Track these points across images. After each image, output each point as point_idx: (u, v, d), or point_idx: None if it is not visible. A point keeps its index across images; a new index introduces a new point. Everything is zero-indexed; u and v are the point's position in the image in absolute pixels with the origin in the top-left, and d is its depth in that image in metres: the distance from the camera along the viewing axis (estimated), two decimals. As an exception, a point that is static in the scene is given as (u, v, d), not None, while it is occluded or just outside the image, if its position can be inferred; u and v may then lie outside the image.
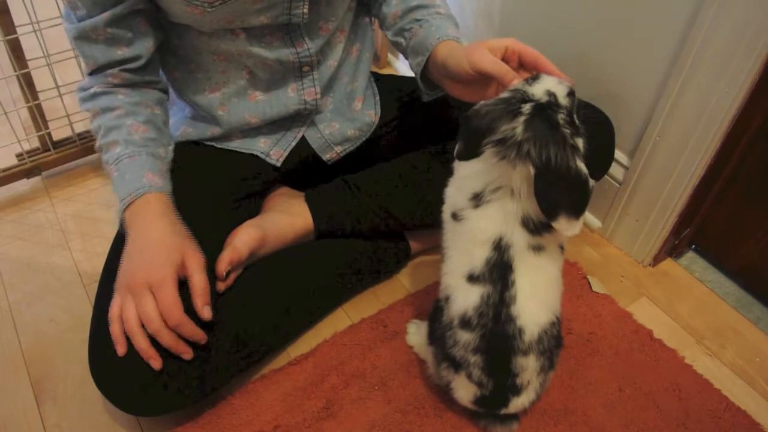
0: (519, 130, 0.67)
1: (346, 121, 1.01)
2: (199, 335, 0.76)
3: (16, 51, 1.10)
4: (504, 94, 0.71)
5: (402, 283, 1.07)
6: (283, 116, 0.94)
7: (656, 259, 1.15)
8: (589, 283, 1.09)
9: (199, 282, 0.77)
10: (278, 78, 0.92)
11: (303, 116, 0.97)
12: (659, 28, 0.97)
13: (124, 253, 0.79)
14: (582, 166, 0.68)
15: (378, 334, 0.98)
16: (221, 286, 0.85)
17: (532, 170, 0.67)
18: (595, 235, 1.21)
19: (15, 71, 1.11)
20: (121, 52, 0.82)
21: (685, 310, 1.07)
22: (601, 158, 1.06)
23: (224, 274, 0.84)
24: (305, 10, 0.84)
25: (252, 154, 0.97)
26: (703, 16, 0.89)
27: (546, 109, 0.68)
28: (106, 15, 0.79)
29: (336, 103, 1.00)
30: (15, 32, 1.08)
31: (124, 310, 0.75)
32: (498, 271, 0.75)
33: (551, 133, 0.67)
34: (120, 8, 0.79)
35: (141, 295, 0.74)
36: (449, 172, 0.94)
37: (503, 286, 0.74)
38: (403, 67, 1.61)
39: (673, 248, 1.15)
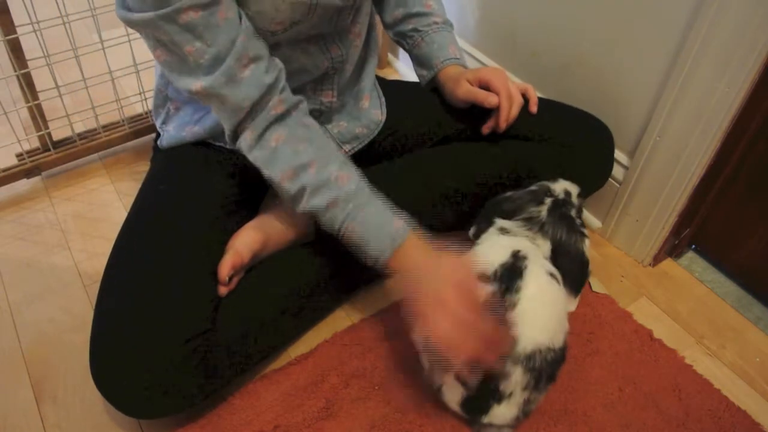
0: (543, 214, 0.88)
1: (353, 119, 1.02)
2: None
3: (16, 51, 1.10)
4: (533, 187, 0.93)
5: (402, 283, 1.07)
6: None
7: (656, 259, 1.15)
8: (589, 283, 1.09)
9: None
10: (303, 81, 0.92)
11: (314, 117, 0.97)
12: (659, 28, 0.97)
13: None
14: (586, 250, 0.89)
15: (378, 333, 0.98)
16: (224, 291, 0.85)
17: (549, 245, 0.86)
18: (595, 235, 1.21)
19: (15, 71, 1.11)
20: (267, 78, 0.79)
21: (685, 310, 1.07)
22: (599, 166, 1.07)
23: (227, 278, 0.85)
24: (349, 21, 0.89)
25: None
26: (703, 16, 0.89)
27: (562, 205, 0.90)
28: (242, 37, 0.75)
29: (343, 102, 1.00)
30: (15, 32, 1.08)
31: None
32: (508, 274, 0.78)
33: (565, 220, 0.88)
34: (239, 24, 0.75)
35: None
36: (449, 169, 0.96)
37: (507, 288, 0.76)
38: (402, 67, 1.61)
39: (673, 248, 1.15)
